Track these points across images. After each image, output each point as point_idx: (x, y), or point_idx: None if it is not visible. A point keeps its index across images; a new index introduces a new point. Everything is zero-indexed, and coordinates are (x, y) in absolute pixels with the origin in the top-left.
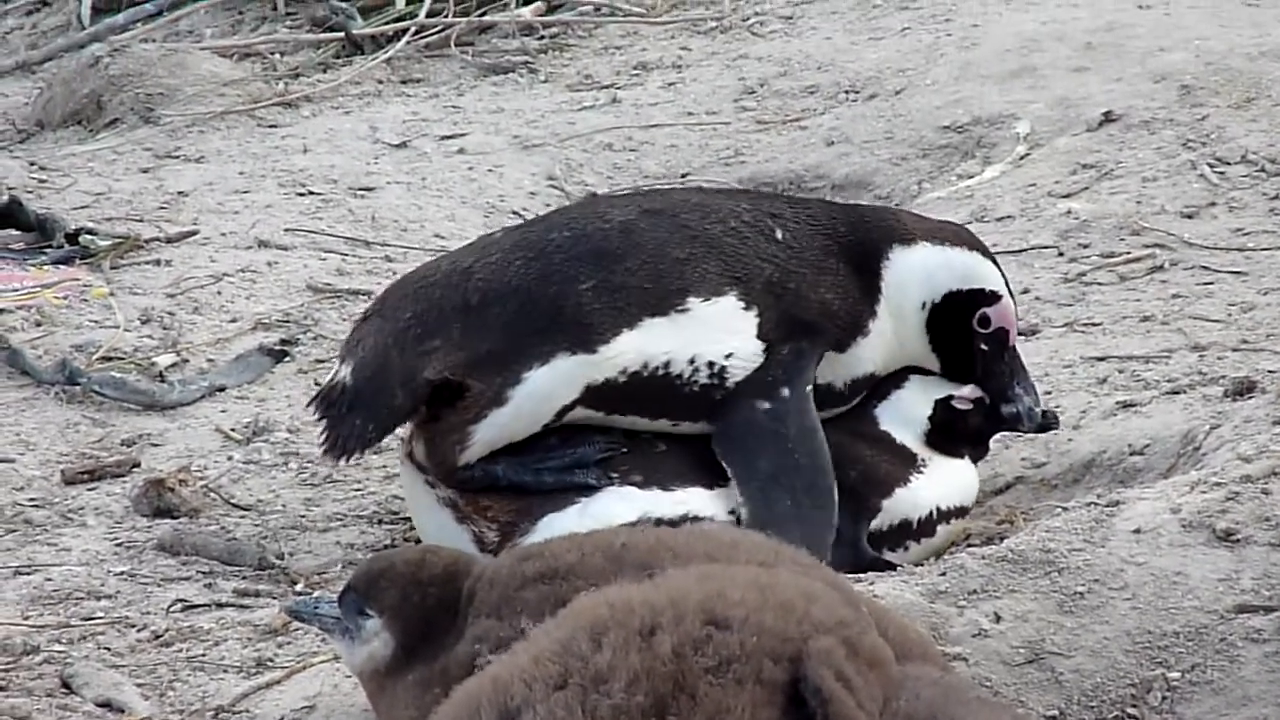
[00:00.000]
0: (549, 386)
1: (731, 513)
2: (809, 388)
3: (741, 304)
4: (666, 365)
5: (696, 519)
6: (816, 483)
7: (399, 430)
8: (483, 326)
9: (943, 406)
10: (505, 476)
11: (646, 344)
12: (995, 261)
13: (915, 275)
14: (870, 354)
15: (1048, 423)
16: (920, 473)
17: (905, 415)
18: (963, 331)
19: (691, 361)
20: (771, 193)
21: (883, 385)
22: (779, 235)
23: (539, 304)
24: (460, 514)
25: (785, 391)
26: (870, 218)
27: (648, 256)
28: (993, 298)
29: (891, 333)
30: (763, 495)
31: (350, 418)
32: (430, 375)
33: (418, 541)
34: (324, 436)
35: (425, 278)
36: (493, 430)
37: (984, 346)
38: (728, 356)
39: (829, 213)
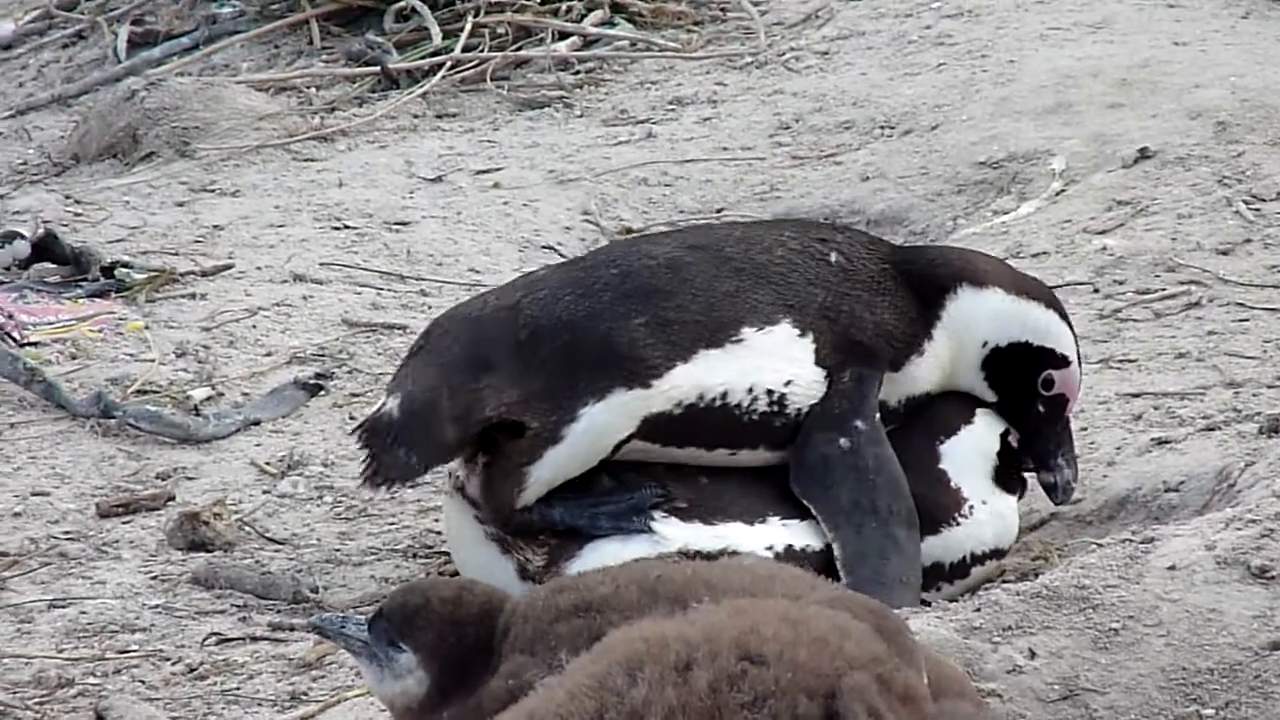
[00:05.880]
0: (605, 422)
1: (769, 549)
2: (876, 414)
3: (796, 331)
4: (724, 396)
5: (735, 554)
6: (901, 508)
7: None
8: (534, 363)
9: (1005, 441)
10: (562, 520)
11: (702, 376)
12: (1071, 327)
13: (983, 315)
14: (925, 374)
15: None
16: (961, 520)
17: (975, 450)
18: (1024, 384)
19: (750, 390)
20: (819, 221)
21: (950, 420)
22: (832, 258)
23: (591, 340)
24: (506, 545)
25: (859, 423)
26: (940, 255)
27: (697, 291)
28: (1061, 362)
29: (947, 357)
30: (852, 527)
31: (395, 449)
32: (489, 413)
33: (453, 574)
34: (366, 466)
35: (471, 314)
36: (550, 469)
37: (1041, 408)
38: (787, 384)
39: (893, 245)
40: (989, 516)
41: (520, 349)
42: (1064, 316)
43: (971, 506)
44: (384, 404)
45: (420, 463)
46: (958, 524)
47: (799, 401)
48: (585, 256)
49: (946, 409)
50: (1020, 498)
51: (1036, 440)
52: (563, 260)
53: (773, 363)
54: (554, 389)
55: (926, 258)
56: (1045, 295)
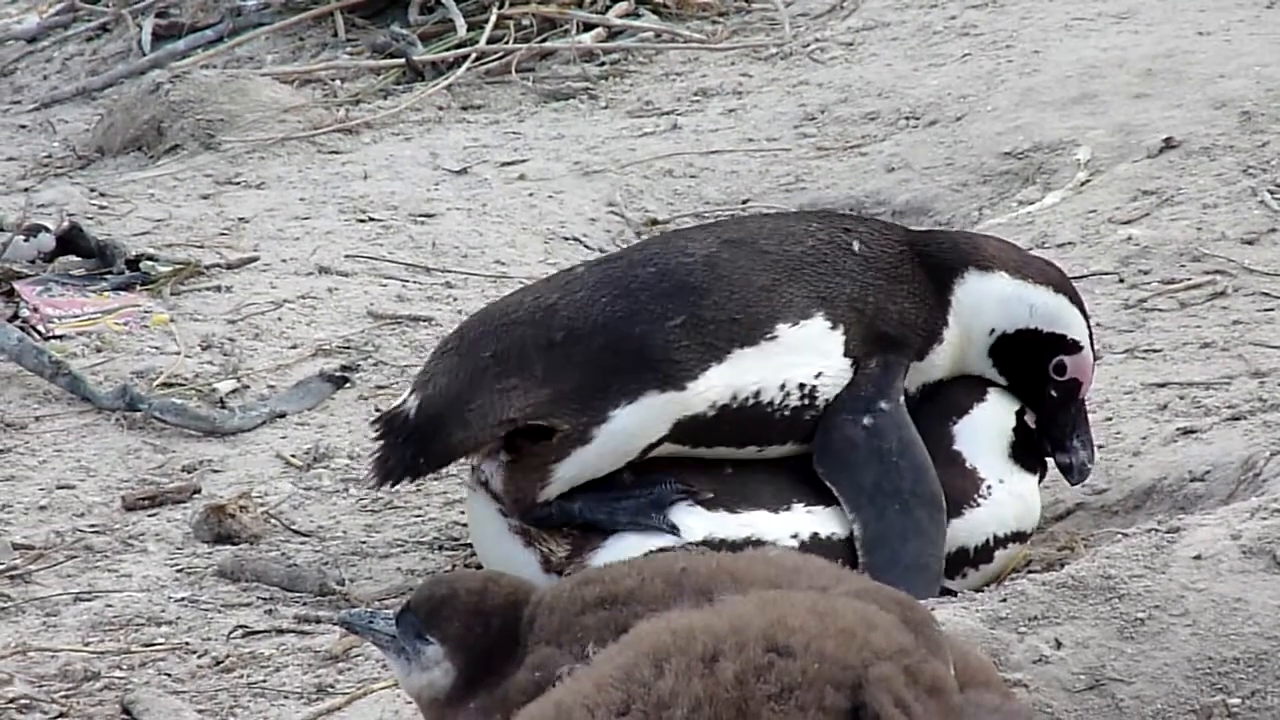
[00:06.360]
0: (637, 424)
1: (794, 536)
2: (902, 398)
3: (828, 324)
4: (757, 395)
5: (760, 543)
6: (924, 491)
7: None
8: (568, 364)
9: (1021, 419)
10: (581, 515)
11: (736, 376)
12: (1084, 311)
13: (990, 301)
14: (942, 361)
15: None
16: (980, 500)
17: (990, 428)
18: (1035, 369)
19: (782, 387)
20: (838, 211)
21: (961, 400)
22: (855, 247)
23: (627, 342)
24: (529, 537)
25: (883, 404)
26: (948, 239)
27: (734, 288)
28: (1073, 347)
29: (957, 344)
30: (873, 509)
31: (405, 447)
32: (514, 415)
33: (478, 567)
34: (374, 459)
35: (507, 313)
36: (576, 468)
37: (1054, 393)
38: (817, 376)
39: (906, 231)
40: (1009, 496)
41: (554, 350)
42: (1075, 300)
43: (990, 486)
44: (405, 400)
45: (427, 464)
46: (978, 504)
47: (828, 393)
48: (622, 253)
49: (958, 389)
50: (1041, 479)
51: (1052, 424)
52: (600, 256)
53: (805, 357)
54: (585, 390)
55: (937, 242)
56: (1054, 279)
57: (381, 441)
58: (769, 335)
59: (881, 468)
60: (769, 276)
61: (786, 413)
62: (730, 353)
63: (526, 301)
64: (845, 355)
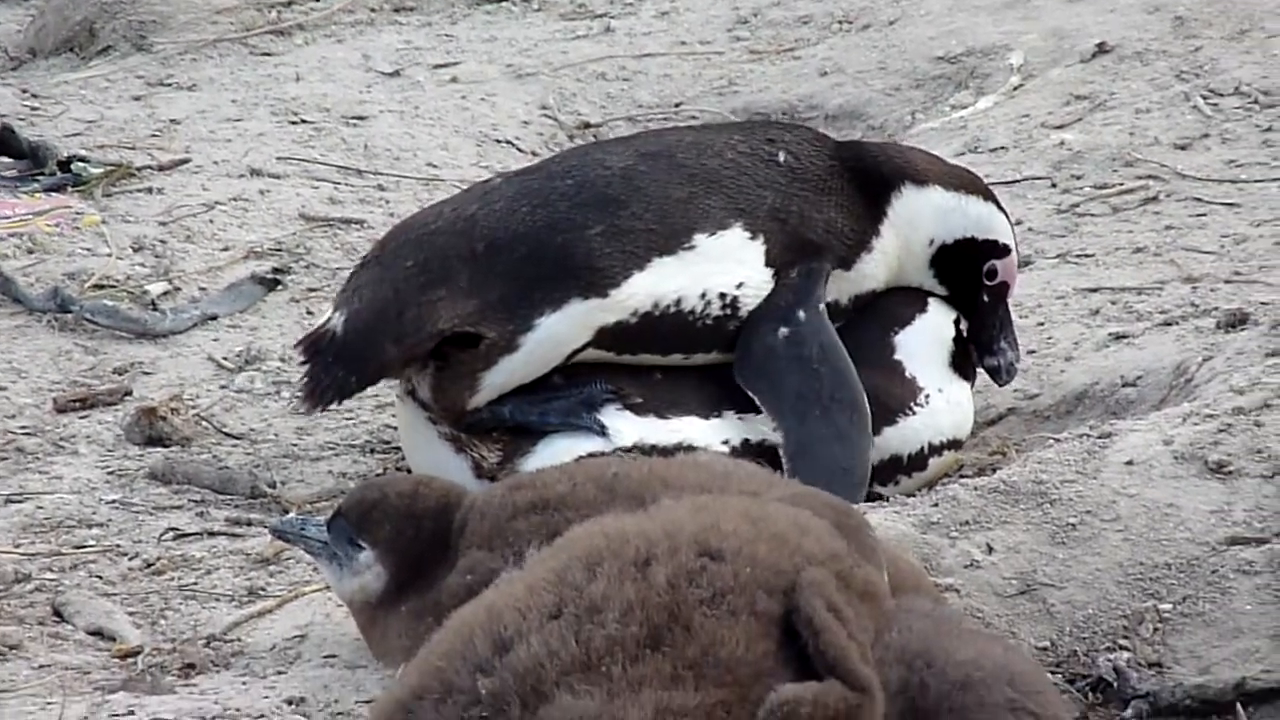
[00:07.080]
0: (561, 331)
1: (725, 443)
2: (822, 305)
3: (747, 234)
4: (678, 303)
5: (691, 448)
6: (845, 396)
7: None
8: (491, 274)
9: (958, 328)
10: (512, 417)
11: (657, 284)
12: (1007, 215)
13: (928, 214)
14: (874, 271)
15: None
16: (917, 408)
17: (932, 338)
18: (970, 275)
19: (703, 296)
20: (766, 120)
21: (902, 311)
22: (781, 158)
23: (548, 251)
24: (460, 444)
25: (800, 314)
26: (880, 152)
27: (651, 200)
28: (1003, 251)
29: (895, 255)
30: (795, 416)
31: (334, 368)
32: (443, 326)
33: (409, 471)
34: (303, 383)
35: (427, 224)
36: (503, 375)
37: (985, 297)
38: (739, 286)
39: (835, 141)
40: (946, 405)
41: (476, 260)
42: (999, 206)
43: (928, 395)
44: (329, 318)
45: (357, 382)
46: (913, 413)
47: (750, 303)
48: (540, 165)
49: (898, 301)
50: (973, 384)
51: (981, 328)
52: (518, 169)
53: (724, 266)
54: (510, 299)
55: (870, 154)
56: (980, 188)
57: (309, 364)
58: (687, 245)
59: (802, 375)
60: (685, 189)
61: (709, 321)
62: (650, 261)
63: (445, 213)
64: (767, 265)
